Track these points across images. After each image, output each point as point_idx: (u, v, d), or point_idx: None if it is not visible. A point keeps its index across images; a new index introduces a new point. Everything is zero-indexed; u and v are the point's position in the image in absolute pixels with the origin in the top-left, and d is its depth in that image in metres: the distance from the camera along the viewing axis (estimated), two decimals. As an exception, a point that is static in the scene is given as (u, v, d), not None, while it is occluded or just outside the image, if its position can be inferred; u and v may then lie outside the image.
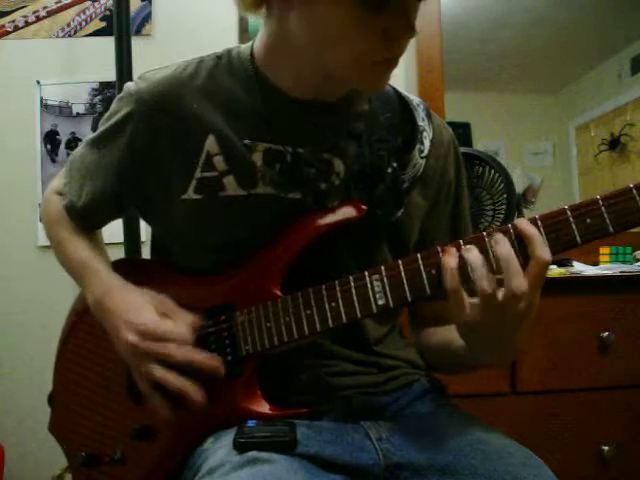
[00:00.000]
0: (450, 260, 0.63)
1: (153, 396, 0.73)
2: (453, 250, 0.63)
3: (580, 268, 1.55)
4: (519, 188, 1.91)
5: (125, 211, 0.91)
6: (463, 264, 0.62)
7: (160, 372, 0.71)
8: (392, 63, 0.69)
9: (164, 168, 0.77)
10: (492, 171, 1.55)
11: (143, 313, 0.73)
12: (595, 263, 1.68)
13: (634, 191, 0.59)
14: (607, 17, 2.13)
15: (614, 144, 2.12)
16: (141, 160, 0.78)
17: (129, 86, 0.79)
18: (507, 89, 2.18)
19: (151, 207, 0.82)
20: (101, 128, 0.82)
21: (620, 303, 1.41)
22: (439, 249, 0.65)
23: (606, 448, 1.38)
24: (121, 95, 0.80)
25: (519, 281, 0.59)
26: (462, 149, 1.59)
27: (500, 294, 0.60)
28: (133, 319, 0.72)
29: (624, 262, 1.66)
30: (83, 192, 0.83)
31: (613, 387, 1.41)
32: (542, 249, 0.60)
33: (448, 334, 0.78)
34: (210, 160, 0.75)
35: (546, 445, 1.24)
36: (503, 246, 0.61)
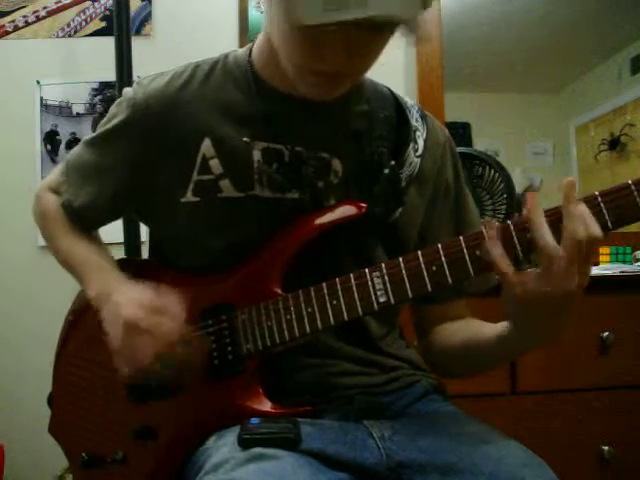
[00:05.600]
0: (491, 232, 0.62)
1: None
2: (494, 224, 0.63)
3: (580, 268, 1.55)
4: (519, 188, 1.91)
5: (122, 214, 0.91)
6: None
7: (156, 346, 0.69)
8: (334, 76, 0.67)
9: (163, 172, 0.78)
10: (492, 171, 1.55)
11: (140, 293, 0.73)
12: (595, 263, 1.67)
13: (632, 187, 0.60)
14: (607, 17, 2.13)
15: (614, 144, 2.11)
16: (139, 165, 0.79)
17: (127, 92, 0.81)
18: (507, 89, 2.17)
19: (153, 210, 0.83)
20: (100, 130, 0.83)
21: (620, 303, 1.41)
22: (439, 246, 0.66)
23: (606, 448, 1.38)
24: (120, 100, 0.81)
25: (543, 232, 0.60)
26: (462, 149, 1.59)
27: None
28: (132, 297, 0.72)
29: (624, 262, 1.66)
30: (81, 192, 0.83)
31: (613, 387, 1.41)
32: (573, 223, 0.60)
33: (476, 328, 0.79)
34: (206, 163, 0.76)
35: (546, 445, 1.24)
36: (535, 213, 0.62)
